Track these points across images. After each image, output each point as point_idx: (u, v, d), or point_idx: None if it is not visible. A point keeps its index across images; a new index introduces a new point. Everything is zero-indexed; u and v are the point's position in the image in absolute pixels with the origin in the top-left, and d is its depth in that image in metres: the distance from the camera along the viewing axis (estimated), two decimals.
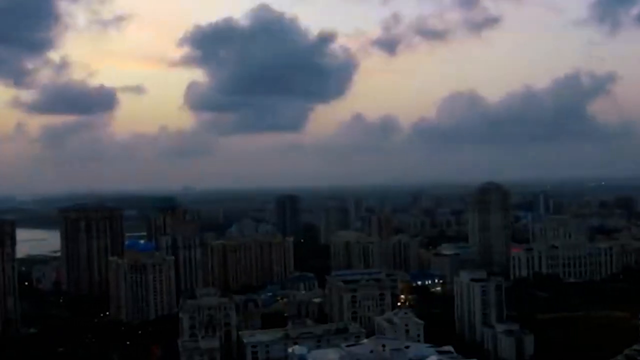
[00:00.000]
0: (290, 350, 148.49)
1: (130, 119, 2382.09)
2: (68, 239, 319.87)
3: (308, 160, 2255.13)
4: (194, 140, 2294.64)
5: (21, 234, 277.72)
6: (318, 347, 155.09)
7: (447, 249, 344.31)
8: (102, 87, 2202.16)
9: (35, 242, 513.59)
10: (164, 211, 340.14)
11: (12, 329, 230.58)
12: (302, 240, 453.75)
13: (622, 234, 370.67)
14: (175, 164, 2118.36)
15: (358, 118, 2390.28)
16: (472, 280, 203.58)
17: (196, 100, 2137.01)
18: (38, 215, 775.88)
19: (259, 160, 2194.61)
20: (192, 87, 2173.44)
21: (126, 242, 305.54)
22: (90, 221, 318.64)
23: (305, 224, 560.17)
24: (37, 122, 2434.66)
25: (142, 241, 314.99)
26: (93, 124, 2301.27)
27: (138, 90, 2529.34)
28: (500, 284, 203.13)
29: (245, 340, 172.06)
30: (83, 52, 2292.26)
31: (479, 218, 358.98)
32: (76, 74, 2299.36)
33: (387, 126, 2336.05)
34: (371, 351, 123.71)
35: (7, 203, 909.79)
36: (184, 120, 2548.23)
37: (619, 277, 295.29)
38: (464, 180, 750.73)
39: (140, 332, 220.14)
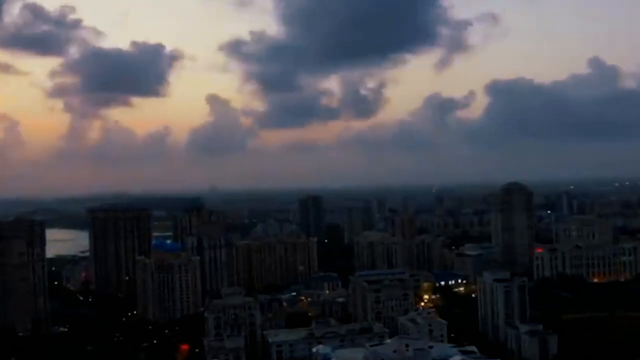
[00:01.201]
0: (314, 349, 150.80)
1: (161, 105, 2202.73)
2: (97, 239, 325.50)
3: (353, 158, 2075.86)
4: (232, 136, 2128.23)
5: (49, 234, 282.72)
6: (342, 346, 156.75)
7: (470, 249, 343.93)
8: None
9: (63, 242, 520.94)
10: (190, 212, 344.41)
11: (42, 327, 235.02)
12: (325, 241, 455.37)
13: None
14: (213, 161, 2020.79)
15: (433, 99, 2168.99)
16: (496, 280, 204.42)
17: (241, 65, 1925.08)
18: (65, 215, 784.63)
19: (297, 159, 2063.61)
20: (234, 48, 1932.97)
21: (153, 242, 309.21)
22: (119, 221, 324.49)
23: (329, 224, 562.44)
24: (58, 107, 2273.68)
25: (168, 241, 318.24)
26: (126, 114, 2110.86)
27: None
28: (523, 284, 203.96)
29: (270, 340, 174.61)
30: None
31: (502, 218, 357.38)
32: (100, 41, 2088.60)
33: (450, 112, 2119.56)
34: (394, 351, 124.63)
35: (33, 204, 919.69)
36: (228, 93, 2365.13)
37: None
38: (489, 180, 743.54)
39: (166, 331, 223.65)
